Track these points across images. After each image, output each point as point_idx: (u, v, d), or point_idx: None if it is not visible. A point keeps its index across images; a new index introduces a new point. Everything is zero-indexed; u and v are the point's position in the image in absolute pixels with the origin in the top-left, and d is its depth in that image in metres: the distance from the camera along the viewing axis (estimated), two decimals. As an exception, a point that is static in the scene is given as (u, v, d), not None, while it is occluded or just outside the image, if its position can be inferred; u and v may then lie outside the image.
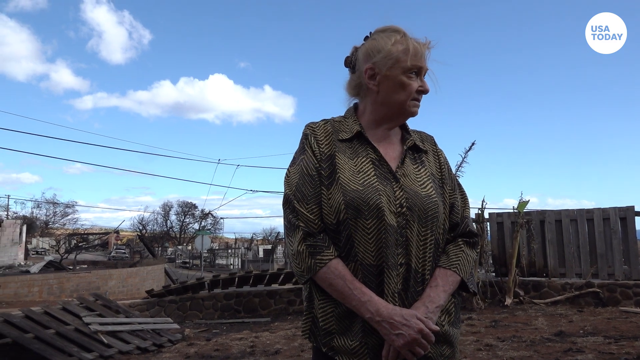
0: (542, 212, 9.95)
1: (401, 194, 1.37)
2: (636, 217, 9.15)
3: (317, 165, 1.40)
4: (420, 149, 1.50)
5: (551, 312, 7.95)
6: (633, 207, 9.20)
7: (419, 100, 1.46)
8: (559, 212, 9.76)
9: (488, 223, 10.08)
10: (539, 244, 9.69)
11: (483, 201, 9.88)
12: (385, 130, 1.49)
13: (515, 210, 9.73)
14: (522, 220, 9.53)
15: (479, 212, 9.89)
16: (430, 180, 1.44)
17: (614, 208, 9.24)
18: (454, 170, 1.47)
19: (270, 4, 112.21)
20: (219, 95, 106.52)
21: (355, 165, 1.39)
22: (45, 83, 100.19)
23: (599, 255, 9.19)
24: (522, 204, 9.66)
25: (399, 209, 1.35)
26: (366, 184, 1.35)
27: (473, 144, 9.50)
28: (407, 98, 1.42)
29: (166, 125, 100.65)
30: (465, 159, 9.35)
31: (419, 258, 1.34)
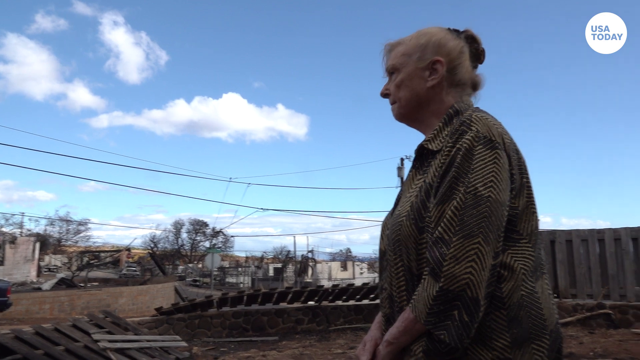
0: (552, 232, 9.87)
1: (389, 216, 1.33)
2: (648, 238, 9.05)
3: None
4: (432, 151, 1.24)
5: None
6: (644, 227, 9.10)
7: (392, 104, 1.40)
8: (570, 231, 9.67)
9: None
10: (549, 264, 9.60)
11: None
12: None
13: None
14: (531, 240, 9.44)
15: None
16: (416, 194, 1.21)
17: (626, 228, 9.14)
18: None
19: (282, 22, 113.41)
20: (233, 114, 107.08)
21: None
22: (63, 102, 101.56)
23: (611, 276, 9.08)
24: (532, 223, 9.59)
25: (386, 231, 1.31)
26: (390, 210, 1.37)
27: None
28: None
29: (180, 144, 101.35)
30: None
31: (395, 286, 1.23)
